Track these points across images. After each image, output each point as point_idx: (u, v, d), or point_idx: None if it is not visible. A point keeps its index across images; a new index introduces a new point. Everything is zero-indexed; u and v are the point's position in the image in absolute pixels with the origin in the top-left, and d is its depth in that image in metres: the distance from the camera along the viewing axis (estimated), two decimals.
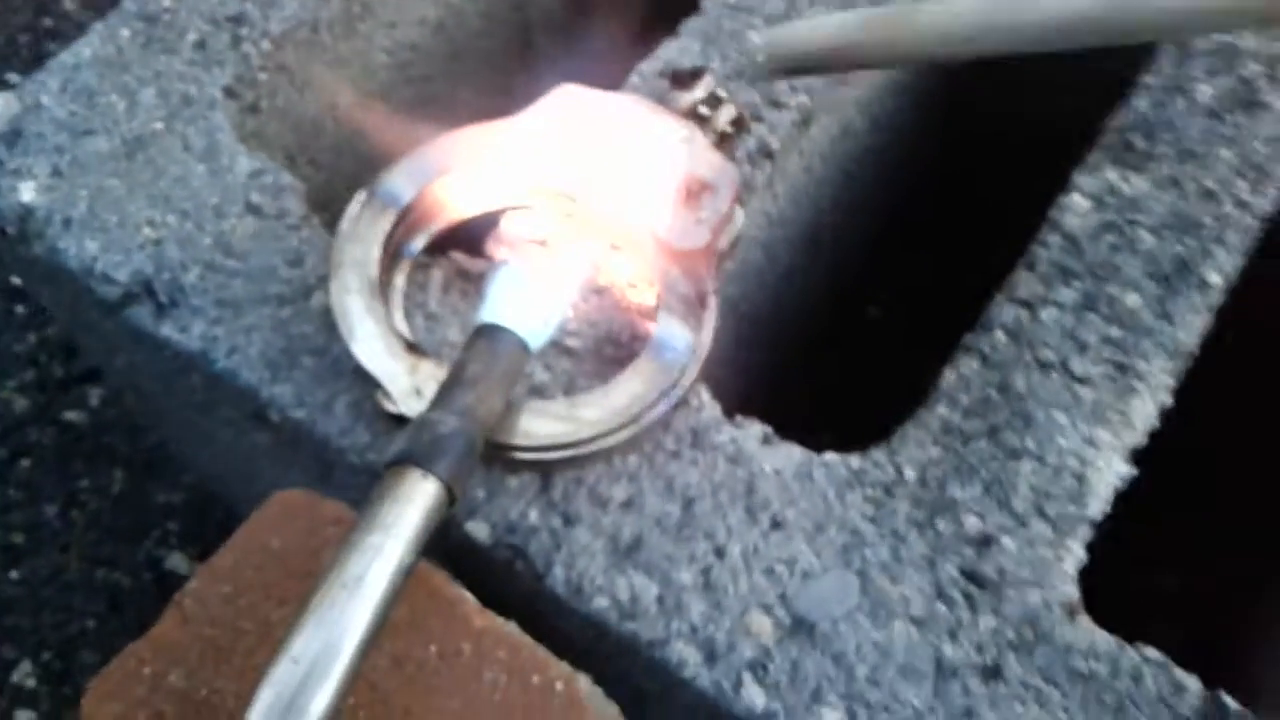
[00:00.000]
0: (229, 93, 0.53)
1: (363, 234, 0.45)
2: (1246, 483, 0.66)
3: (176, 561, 0.76)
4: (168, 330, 0.47)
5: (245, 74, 0.53)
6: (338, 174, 0.62)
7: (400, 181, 0.46)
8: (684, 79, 0.48)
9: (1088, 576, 0.41)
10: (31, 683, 0.72)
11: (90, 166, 0.50)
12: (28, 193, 0.50)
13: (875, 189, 0.71)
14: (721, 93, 0.49)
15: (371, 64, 0.62)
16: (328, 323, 0.46)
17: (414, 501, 0.36)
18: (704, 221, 0.45)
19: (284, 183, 0.50)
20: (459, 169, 0.47)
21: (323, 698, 0.33)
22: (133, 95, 0.52)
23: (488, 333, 0.41)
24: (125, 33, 0.54)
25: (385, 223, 0.46)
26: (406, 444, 0.37)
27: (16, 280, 0.87)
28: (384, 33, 0.61)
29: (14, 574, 0.76)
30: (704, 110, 0.49)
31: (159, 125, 0.51)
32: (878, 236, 0.78)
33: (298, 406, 0.45)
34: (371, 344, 0.43)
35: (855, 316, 0.82)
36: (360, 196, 0.46)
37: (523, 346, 0.42)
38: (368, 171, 0.65)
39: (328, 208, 0.50)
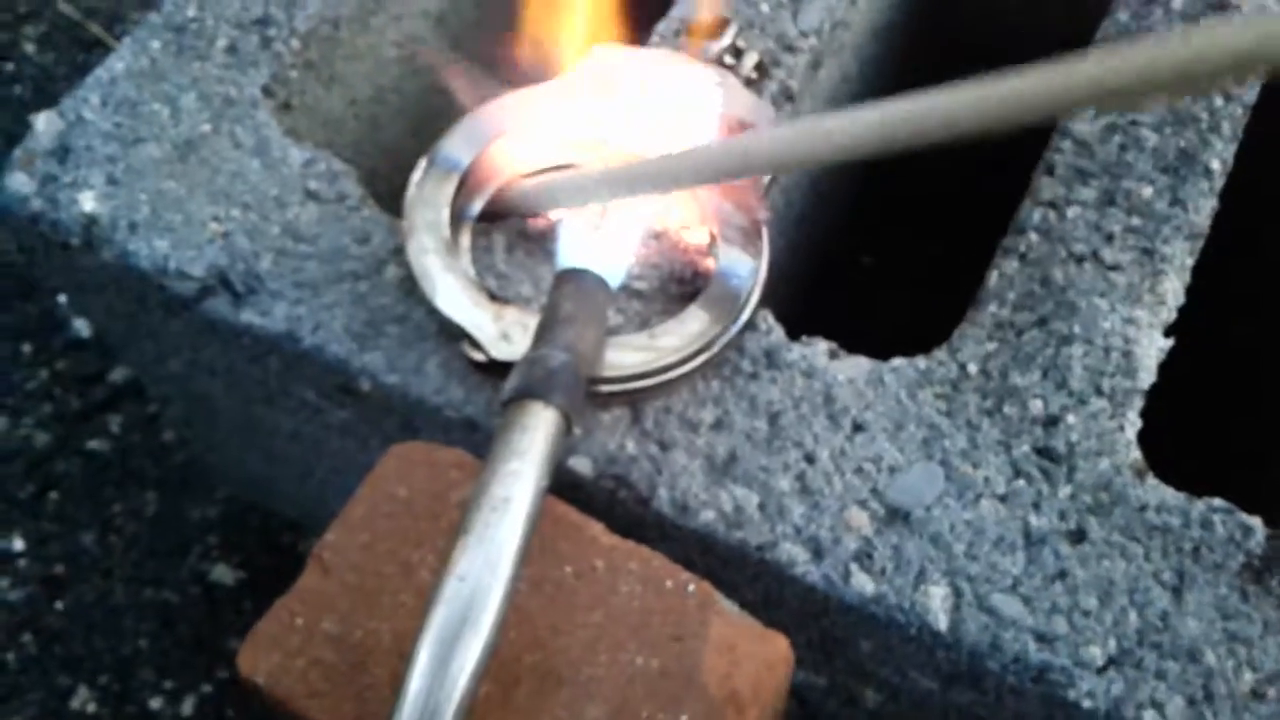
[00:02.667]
0: (266, 92, 0.54)
1: (430, 198, 0.48)
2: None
3: (221, 573, 0.77)
4: (249, 316, 0.48)
5: (279, 73, 0.55)
6: (359, 167, 0.64)
7: (458, 147, 0.49)
8: (711, 28, 0.51)
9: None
10: (92, 707, 0.73)
11: (145, 172, 0.52)
12: (88, 202, 0.51)
13: None
14: (742, 42, 0.52)
15: (383, 58, 0.64)
16: (405, 292, 0.48)
17: (540, 429, 0.39)
18: None
19: (337, 169, 0.52)
20: (511, 131, 0.49)
21: (490, 611, 0.35)
22: (174, 102, 0.54)
23: (572, 275, 0.44)
24: (156, 44, 0.55)
25: (449, 187, 0.48)
26: (521, 380, 0.40)
27: (19, 317, 0.87)
28: (393, 26, 0.63)
29: (59, 604, 0.76)
30: (729, 59, 0.52)
31: (206, 127, 0.53)
32: (868, 188, 0.81)
33: (390, 372, 0.47)
34: (455, 297, 0.45)
35: (852, 264, 0.86)
36: (422, 164, 0.48)
37: (605, 285, 0.44)
38: (386, 164, 0.67)
39: None
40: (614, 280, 0.46)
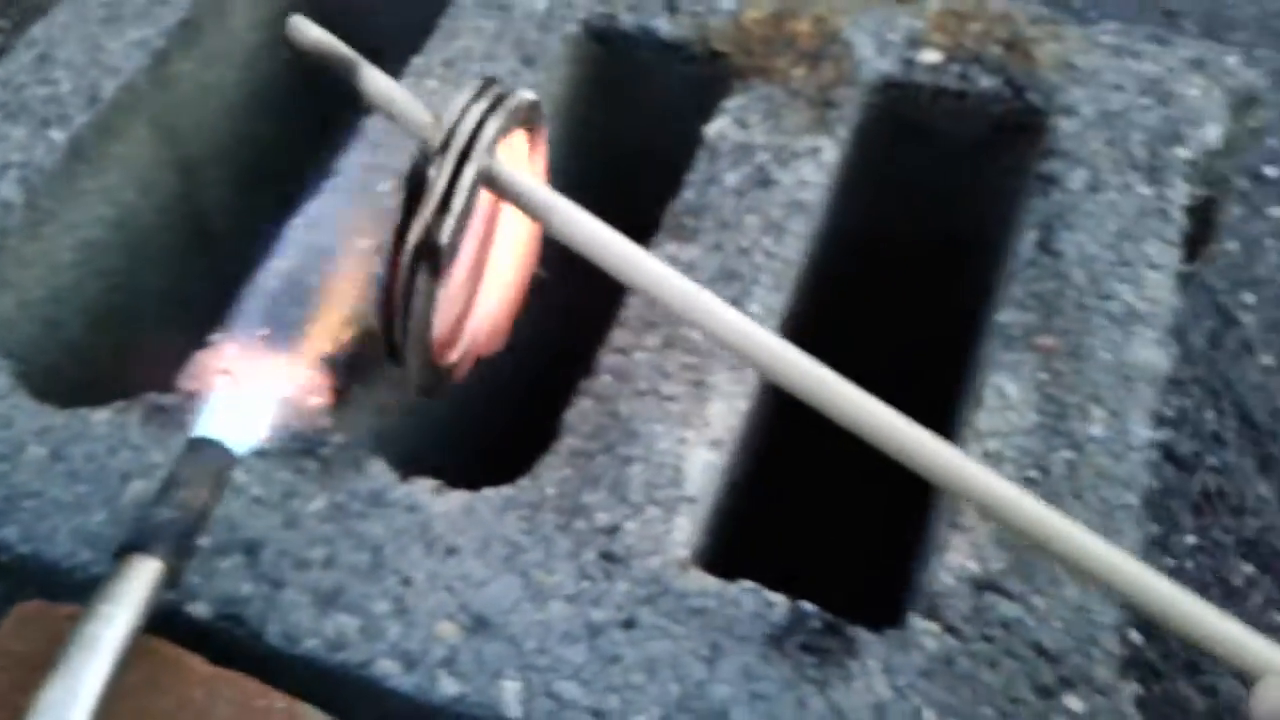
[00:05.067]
0: None
1: None
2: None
3: None
4: None
5: None
6: (35, 364, 0.69)
7: None
8: None
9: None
10: None
11: None
12: None
13: None
14: None
15: (57, 262, 0.70)
16: (41, 471, 0.53)
17: (137, 578, 0.44)
18: None
19: None
20: None
21: None
22: None
23: (199, 443, 0.50)
24: None
25: None
26: (129, 535, 0.45)
27: None
28: (67, 233, 0.69)
29: None
30: None
31: None
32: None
33: (24, 542, 0.51)
34: None
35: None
36: None
37: (227, 451, 0.50)
38: (67, 359, 0.72)
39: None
40: (242, 448, 0.52)
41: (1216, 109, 0.70)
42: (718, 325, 0.48)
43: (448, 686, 0.48)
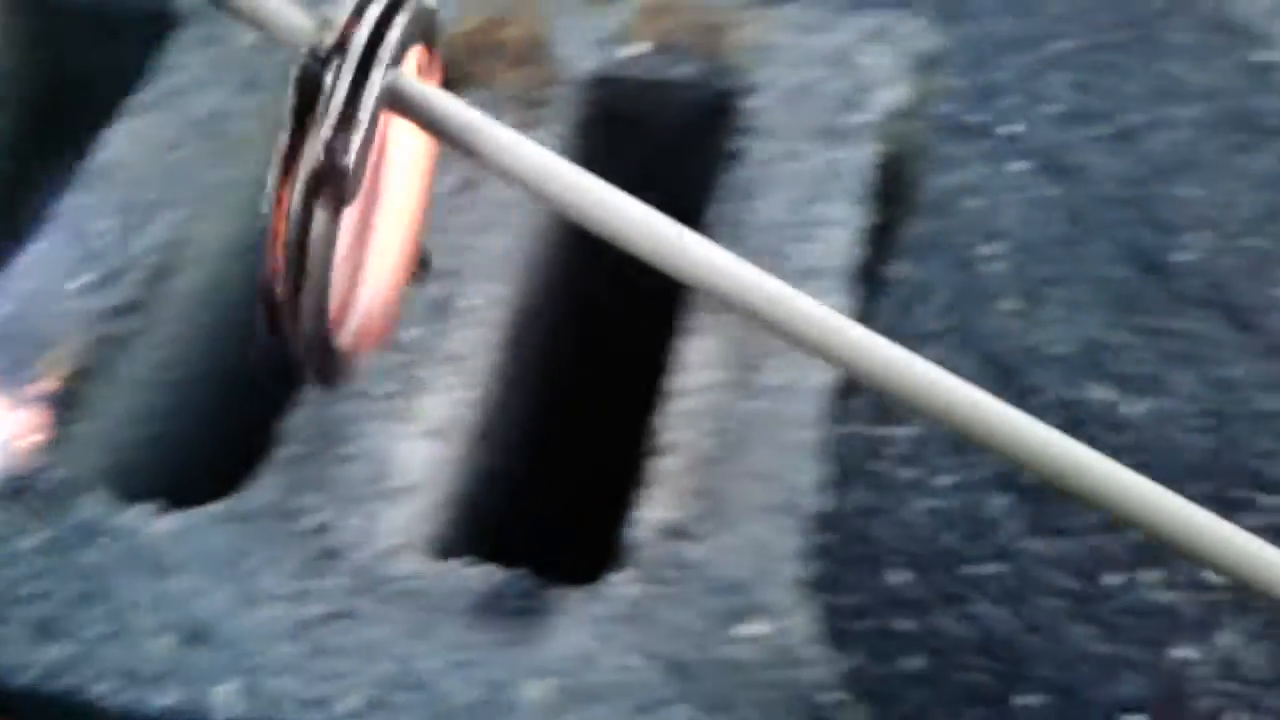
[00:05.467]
0: None
1: None
2: None
3: None
4: None
5: None
6: None
7: None
8: None
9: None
10: None
11: None
12: None
13: None
14: None
15: None
16: None
17: None
18: None
19: None
20: None
21: None
22: None
23: None
24: None
25: None
26: None
27: None
28: None
29: None
30: None
31: None
32: None
33: None
34: None
35: None
36: None
37: None
38: None
39: None
40: None
41: (898, 73, 0.76)
42: (662, 246, 0.41)
43: (160, 699, 0.50)
